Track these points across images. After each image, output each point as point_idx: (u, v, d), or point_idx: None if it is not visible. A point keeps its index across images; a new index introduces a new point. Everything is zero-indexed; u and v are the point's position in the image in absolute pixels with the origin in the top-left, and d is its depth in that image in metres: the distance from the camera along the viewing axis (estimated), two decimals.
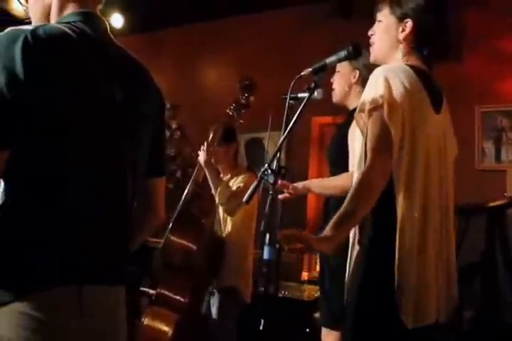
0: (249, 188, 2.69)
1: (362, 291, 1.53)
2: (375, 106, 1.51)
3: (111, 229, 1.08)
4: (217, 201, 2.68)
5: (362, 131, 1.58)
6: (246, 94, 2.70)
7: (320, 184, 2.31)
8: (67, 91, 0.98)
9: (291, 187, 2.24)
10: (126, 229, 1.14)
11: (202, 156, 2.70)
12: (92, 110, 1.03)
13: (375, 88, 1.54)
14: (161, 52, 5.13)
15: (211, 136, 2.74)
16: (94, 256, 1.03)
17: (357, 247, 1.62)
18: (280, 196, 2.22)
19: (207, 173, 2.69)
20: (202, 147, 2.72)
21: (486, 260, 3.30)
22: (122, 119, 1.10)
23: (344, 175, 2.15)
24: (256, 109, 3.53)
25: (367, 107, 1.53)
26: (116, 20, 4.56)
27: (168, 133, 4.12)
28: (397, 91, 1.52)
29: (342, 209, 1.47)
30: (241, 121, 2.75)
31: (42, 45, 0.97)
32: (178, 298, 2.62)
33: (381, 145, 1.49)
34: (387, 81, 1.53)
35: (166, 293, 2.63)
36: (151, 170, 1.26)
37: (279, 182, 1.88)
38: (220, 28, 4.92)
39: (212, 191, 2.79)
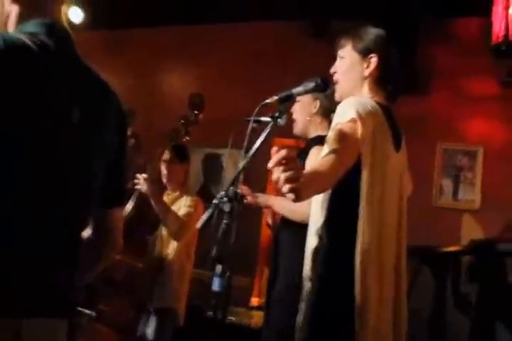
0: (198, 213, 2.64)
1: (317, 327, 1.52)
2: (348, 121, 1.50)
3: (55, 257, 1.02)
4: (167, 230, 2.62)
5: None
6: (196, 112, 2.66)
7: (281, 203, 2.26)
8: (18, 105, 0.93)
9: (252, 195, 2.27)
10: (74, 257, 1.08)
11: (146, 187, 2.56)
12: (43, 128, 0.97)
13: (344, 114, 1.53)
14: (121, 52, 4.83)
15: (156, 162, 2.72)
16: (34, 286, 0.97)
17: (308, 284, 1.60)
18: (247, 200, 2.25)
19: (154, 203, 2.53)
20: (141, 176, 2.59)
21: (436, 303, 3.23)
22: (76, 142, 1.04)
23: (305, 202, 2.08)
24: (215, 123, 3.36)
25: (339, 123, 1.51)
26: (75, 14, 4.11)
27: None
28: (367, 123, 1.50)
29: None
30: (187, 138, 2.71)
31: None
32: (120, 315, 2.57)
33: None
34: (357, 111, 1.51)
35: (108, 309, 2.56)
36: (110, 201, 1.20)
37: (242, 188, 1.93)
38: (186, 35, 4.70)
39: (160, 220, 2.70)
